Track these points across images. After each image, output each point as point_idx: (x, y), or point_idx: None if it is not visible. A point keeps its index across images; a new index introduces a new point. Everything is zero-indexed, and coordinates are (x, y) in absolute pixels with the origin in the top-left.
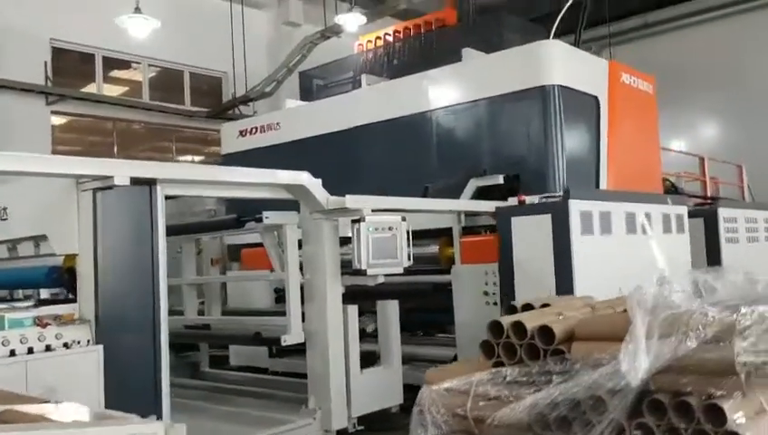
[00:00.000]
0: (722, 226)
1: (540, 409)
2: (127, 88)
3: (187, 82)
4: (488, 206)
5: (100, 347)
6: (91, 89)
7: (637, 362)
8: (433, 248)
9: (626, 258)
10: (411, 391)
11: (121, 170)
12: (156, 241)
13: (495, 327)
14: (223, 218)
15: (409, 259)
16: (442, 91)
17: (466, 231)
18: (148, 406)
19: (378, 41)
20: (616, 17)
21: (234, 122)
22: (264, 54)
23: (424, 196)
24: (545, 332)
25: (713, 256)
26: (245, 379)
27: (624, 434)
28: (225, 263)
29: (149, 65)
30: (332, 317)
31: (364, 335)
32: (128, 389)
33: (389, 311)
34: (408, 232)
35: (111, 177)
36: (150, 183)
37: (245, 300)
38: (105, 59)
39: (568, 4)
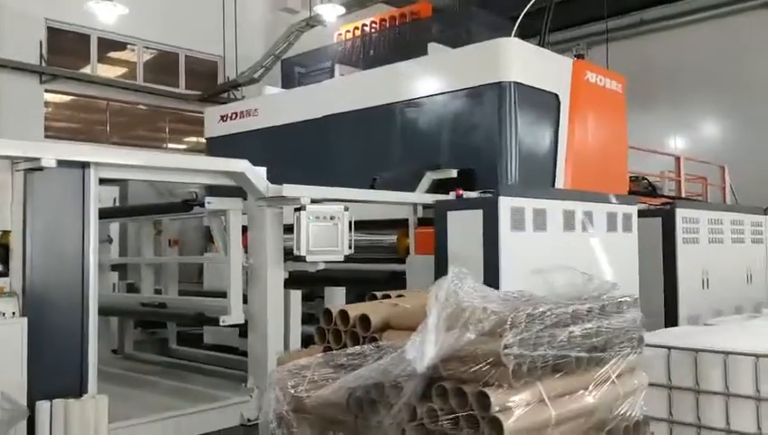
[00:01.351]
0: (679, 226)
1: (351, 390)
2: (126, 70)
3: (182, 65)
4: (429, 198)
5: (25, 320)
6: (88, 70)
7: (423, 350)
8: (394, 238)
9: (562, 256)
10: None
11: (49, 153)
12: (87, 221)
13: (328, 314)
14: (171, 202)
15: (350, 248)
16: (407, 84)
17: (425, 223)
18: (73, 380)
19: (356, 31)
20: (614, 13)
21: (216, 107)
22: (260, 39)
23: (371, 187)
24: (366, 320)
25: (668, 256)
26: (208, 357)
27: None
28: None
29: (145, 47)
30: (273, 301)
31: (313, 320)
32: (53, 362)
33: (336, 297)
34: (350, 222)
35: (39, 158)
36: (84, 166)
37: (224, 283)
38: (101, 40)
39: (530, 3)
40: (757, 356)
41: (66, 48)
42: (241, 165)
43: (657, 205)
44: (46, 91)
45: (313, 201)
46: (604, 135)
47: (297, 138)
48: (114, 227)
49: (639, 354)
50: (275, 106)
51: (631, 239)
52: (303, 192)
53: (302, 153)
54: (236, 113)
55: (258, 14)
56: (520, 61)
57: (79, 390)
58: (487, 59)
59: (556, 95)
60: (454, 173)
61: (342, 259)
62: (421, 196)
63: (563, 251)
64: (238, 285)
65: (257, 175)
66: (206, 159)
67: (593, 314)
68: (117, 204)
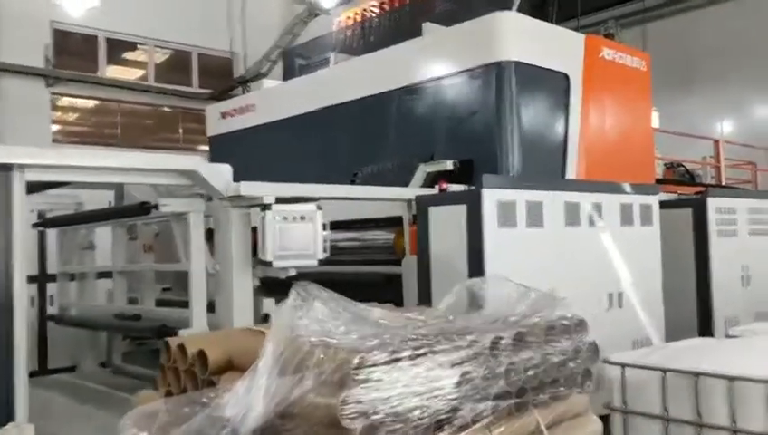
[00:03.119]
0: (712, 217)
1: None
2: (143, 72)
3: (195, 64)
4: (410, 193)
5: None
6: (110, 73)
7: (248, 404)
8: (390, 237)
9: (565, 254)
10: None
11: None
12: (9, 227)
13: (167, 348)
14: (129, 205)
15: (326, 251)
16: (399, 71)
17: None
18: None
19: (356, 17)
20: None
21: (217, 104)
22: (275, 34)
23: (352, 183)
24: (204, 358)
25: (700, 252)
26: None
27: None
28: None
29: (157, 47)
30: (240, 310)
31: None
32: None
33: None
34: (325, 223)
35: None
36: (7, 168)
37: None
38: (111, 41)
39: None
40: None
41: (75, 50)
42: (194, 162)
43: (693, 194)
44: (52, 94)
45: (280, 200)
46: (625, 119)
47: (295, 132)
48: (105, 232)
49: (589, 392)
50: (270, 101)
51: (652, 233)
52: (266, 190)
53: (296, 149)
54: (236, 109)
55: (272, 8)
56: (521, 37)
57: (5, 418)
58: (483, 37)
59: (565, 75)
60: (449, 165)
61: (316, 263)
62: (402, 190)
63: (566, 250)
64: (201, 294)
65: (214, 173)
66: (157, 157)
67: (502, 346)
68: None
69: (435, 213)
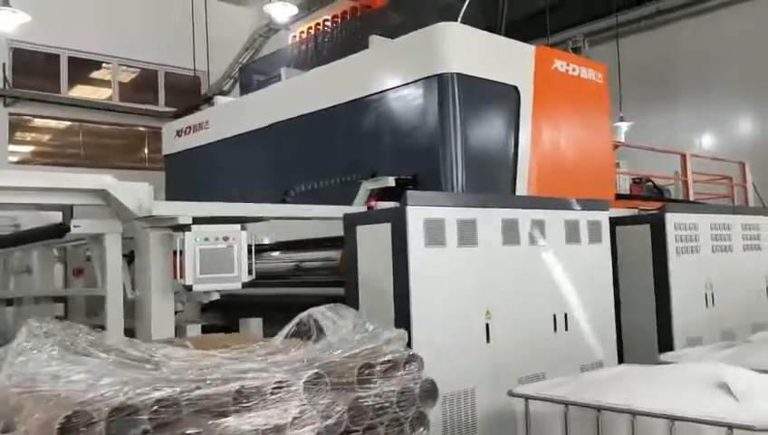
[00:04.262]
0: (671, 233)
1: None
2: (111, 92)
3: (161, 83)
4: (338, 211)
5: None
6: (76, 92)
7: None
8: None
9: (503, 274)
10: None
11: None
12: None
13: None
14: (45, 227)
15: (251, 273)
16: (342, 85)
17: None
18: None
19: (309, 31)
20: (626, 6)
21: (172, 122)
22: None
23: (283, 201)
24: None
25: (658, 269)
26: None
27: None
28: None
29: (123, 66)
30: (159, 337)
31: None
32: None
33: (251, 328)
34: (250, 244)
35: None
36: None
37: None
38: (74, 60)
39: None
40: (672, 419)
41: (37, 70)
42: (102, 181)
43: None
44: (10, 114)
45: (200, 220)
46: (581, 132)
47: (244, 150)
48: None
49: None
50: (222, 117)
51: (602, 251)
52: (182, 210)
53: (248, 166)
54: (190, 127)
55: (237, 25)
56: (464, 49)
57: None
58: (425, 48)
59: (515, 88)
60: (391, 181)
61: (240, 287)
62: (333, 209)
63: (504, 270)
64: (118, 321)
65: (125, 192)
66: (61, 175)
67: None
68: None
69: (362, 232)
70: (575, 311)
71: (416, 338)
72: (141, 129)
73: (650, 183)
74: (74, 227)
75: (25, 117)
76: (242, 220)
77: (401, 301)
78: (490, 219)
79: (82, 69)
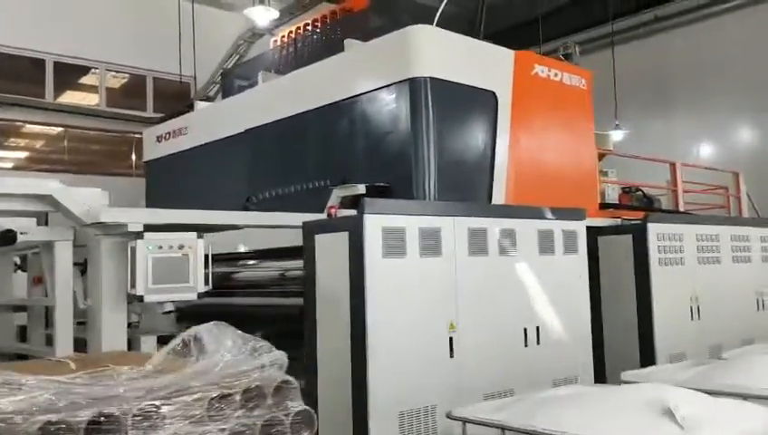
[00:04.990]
0: (653, 244)
1: None
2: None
3: (149, 88)
4: (298, 220)
5: None
6: (66, 97)
7: None
8: None
9: (469, 286)
10: None
11: None
12: None
13: None
14: None
15: (207, 284)
16: (315, 90)
17: None
18: None
19: (290, 35)
20: (623, 13)
21: (152, 128)
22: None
23: (245, 208)
24: None
25: (640, 282)
26: None
27: None
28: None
29: (112, 71)
30: (110, 348)
31: None
32: None
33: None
34: (207, 254)
35: None
36: None
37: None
38: (60, 65)
39: None
40: None
41: (22, 74)
42: (48, 186)
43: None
44: None
45: (153, 227)
46: (563, 139)
47: (221, 155)
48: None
49: None
50: (200, 123)
51: (577, 262)
52: (133, 216)
53: (225, 172)
54: (170, 133)
55: (224, 30)
56: (438, 52)
57: None
58: (398, 51)
59: (492, 93)
60: (361, 189)
61: (196, 297)
62: (293, 216)
63: (470, 281)
64: (67, 332)
65: (71, 198)
66: (4, 181)
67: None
68: None
69: (320, 241)
70: (548, 324)
71: (371, 351)
72: (129, 135)
73: (640, 192)
74: (21, 233)
75: (11, 122)
76: (204, 229)
77: (357, 312)
78: (455, 229)
79: (70, 74)
